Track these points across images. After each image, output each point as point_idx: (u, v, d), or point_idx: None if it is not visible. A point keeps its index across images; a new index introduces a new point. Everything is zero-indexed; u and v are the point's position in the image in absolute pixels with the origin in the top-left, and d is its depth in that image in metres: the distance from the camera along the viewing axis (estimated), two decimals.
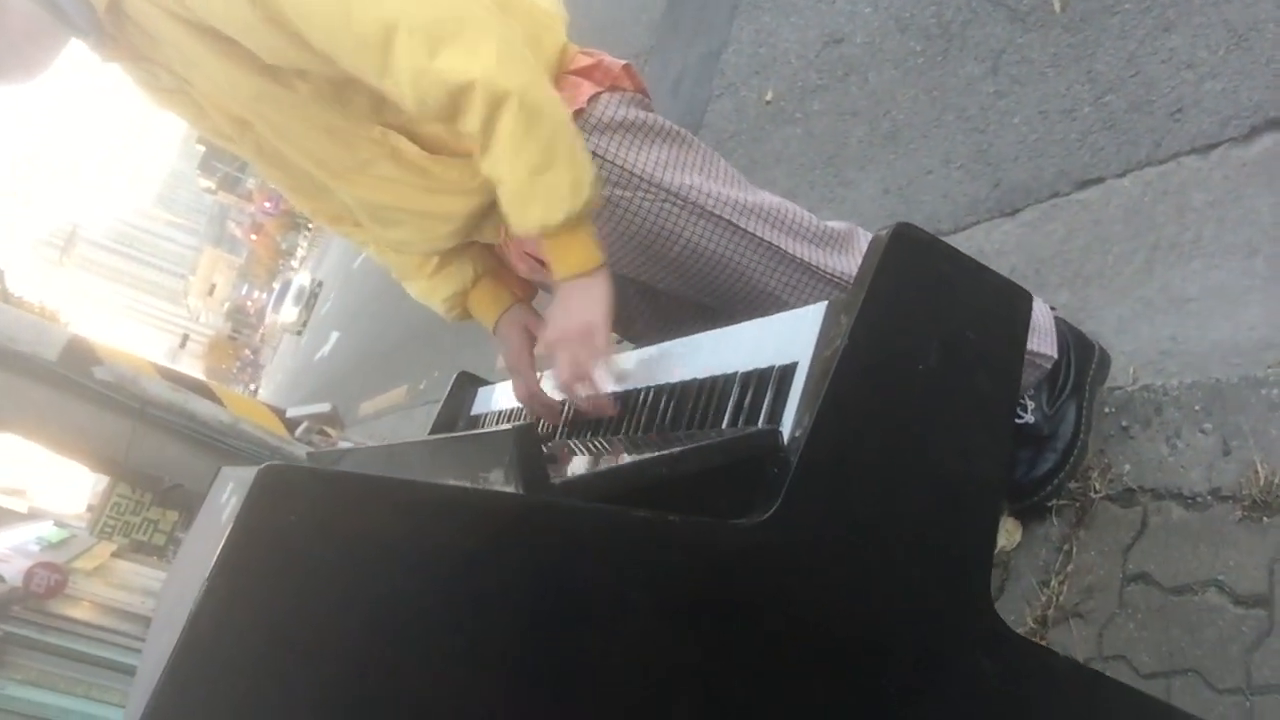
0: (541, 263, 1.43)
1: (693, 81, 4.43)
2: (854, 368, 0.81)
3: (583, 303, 1.26)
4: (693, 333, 1.24)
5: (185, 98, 1.37)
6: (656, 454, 0.82)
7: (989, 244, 2.35)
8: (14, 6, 1.23)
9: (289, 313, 28.03)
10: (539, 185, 1.19)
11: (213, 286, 74.31)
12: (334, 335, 17.54)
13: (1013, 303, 0.86)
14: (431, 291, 1.59)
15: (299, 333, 27.34)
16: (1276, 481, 1.36)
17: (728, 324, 1.17)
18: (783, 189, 3.34)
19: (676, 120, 4.40)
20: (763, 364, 0.99)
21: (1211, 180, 1.85)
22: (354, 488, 0.71)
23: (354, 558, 0.70)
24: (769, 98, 3.66)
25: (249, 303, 63.39)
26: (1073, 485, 1.66)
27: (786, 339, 0.96)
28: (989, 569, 0.84)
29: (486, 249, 1.58)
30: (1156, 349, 1.83)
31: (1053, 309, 1.73)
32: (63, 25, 1.25)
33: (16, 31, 1.24)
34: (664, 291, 1.56)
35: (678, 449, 0.82)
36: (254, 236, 58.07)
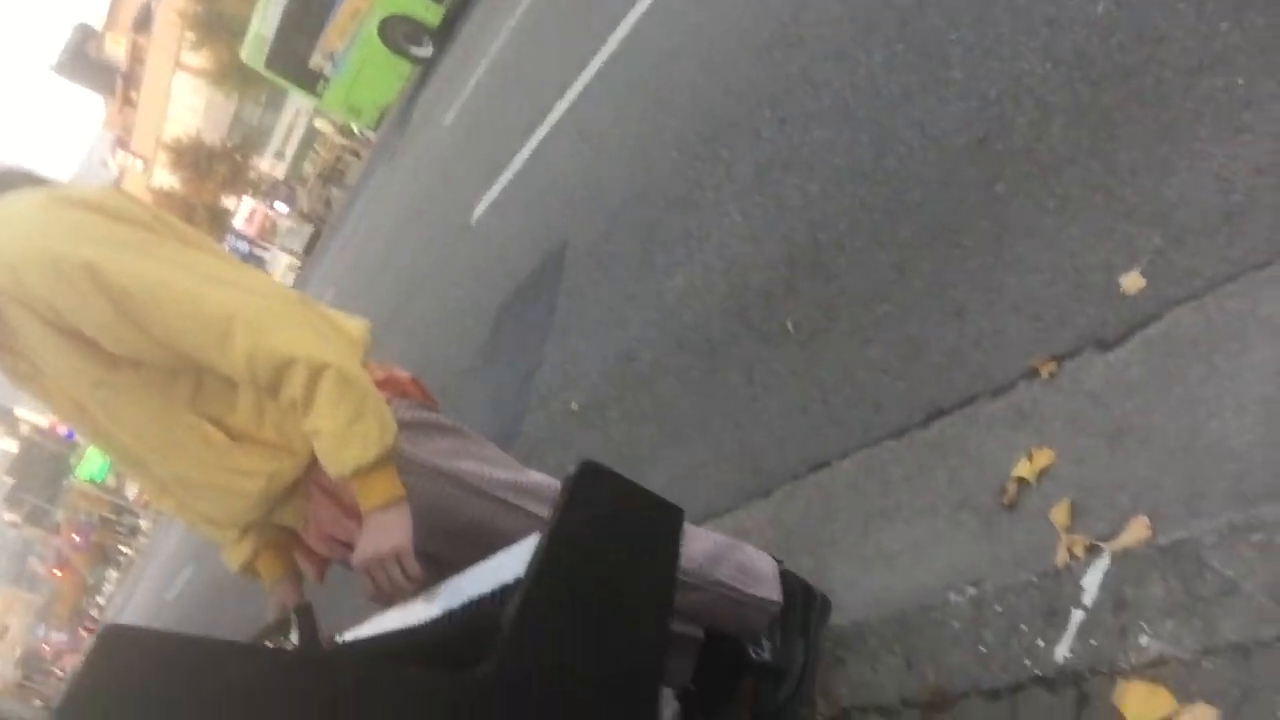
0: (340, 542, 1.70)
1: (511, 396, 4.88)
2: (550, 565, 1.11)
3: (390, 529, 1.51)
4: None
5: (37, 384, 1.63)
6: (407, 626, 1.08)
7: (750, 521, 2.73)
8: None
9: None
10: (353, 431, 1.49)
11: (5, 629, 67.88)
12: (185, 570, 15.69)
13: (669, 515, 1.20)
14: (231, 560, 1.87)
15: None
16: (941, 686, 1.68)
17: None
18: None
19: (495, 432, 4.80)
20: (509, 578, 1.27)
21: (904, 458, 2.31)
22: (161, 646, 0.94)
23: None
24: (575, 407, 4.11)
25: (45, 646, 57.51)
26: (804, 711, 1.93)
27: (520, 557, 1.26)
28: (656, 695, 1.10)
29: (275, 527, 1.83)
30: (873, 597, 2.18)
31: (780, 561, 2.07)
32: None
33: None
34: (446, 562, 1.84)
35: (426, 621, 1.08)
36: (58, 573, 54.10)
